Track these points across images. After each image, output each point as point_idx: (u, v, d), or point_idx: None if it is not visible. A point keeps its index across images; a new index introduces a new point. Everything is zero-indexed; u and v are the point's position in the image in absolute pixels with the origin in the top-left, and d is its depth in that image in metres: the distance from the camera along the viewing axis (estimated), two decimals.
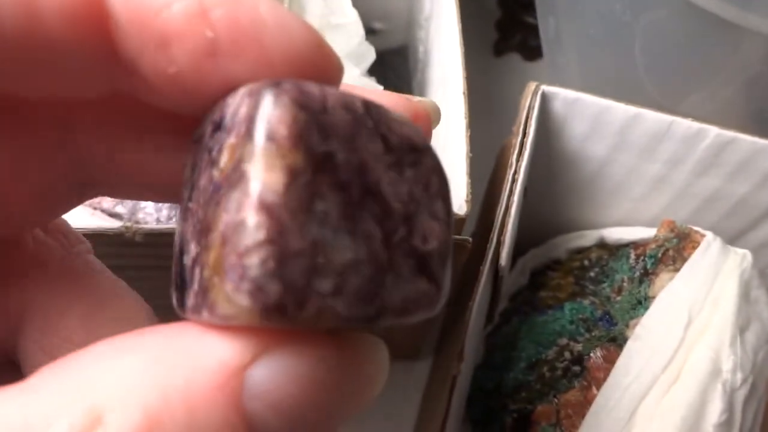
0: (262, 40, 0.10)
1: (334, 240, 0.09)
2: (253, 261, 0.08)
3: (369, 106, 0.10)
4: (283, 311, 0.08)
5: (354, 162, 0.09)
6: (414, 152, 0.10)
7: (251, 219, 0.08)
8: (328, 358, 0.09)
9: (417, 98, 0.13)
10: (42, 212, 0.12)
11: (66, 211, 0.13)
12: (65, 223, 0.14)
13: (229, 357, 0.09)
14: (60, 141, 0.12)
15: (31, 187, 0.12)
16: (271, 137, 0.09)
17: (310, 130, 0.09)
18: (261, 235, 0.08)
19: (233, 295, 0.08)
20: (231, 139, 0.09)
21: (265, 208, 0.08)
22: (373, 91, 0.12)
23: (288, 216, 0.08)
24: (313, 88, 0.09)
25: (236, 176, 0.09)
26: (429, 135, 0.13)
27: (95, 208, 0.26)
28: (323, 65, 0.10)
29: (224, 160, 0.09)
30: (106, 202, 0.26)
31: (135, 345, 0.09)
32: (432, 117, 0.13)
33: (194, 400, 0.08)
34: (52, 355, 0.12)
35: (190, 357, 0.09)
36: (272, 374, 0.09)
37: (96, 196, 0.13)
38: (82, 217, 0.26)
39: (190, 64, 0.10)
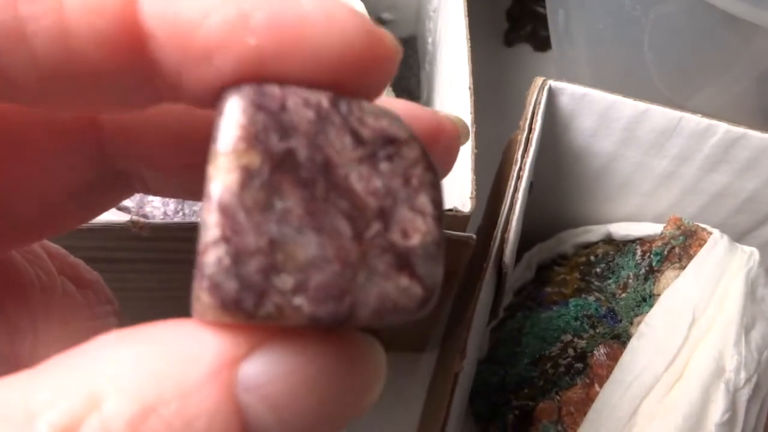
0: (309, 38, 0.09)
1: (296, 237, 0.09)
2: (210, 259, 0.09)
3: (338, 102, 0.10)
4: (242, 308, 0.09)
5: (318, 159, 0.09)
6: (392, 145, 0.10)
7: (210, 218, 0.09)
8: (323, 356, 0.09)
9: (444, 113, 0.13)
10: (76, 210, 0.12)
11: (100, 209, 0.13)
12: (99, 279, 0.14)
13: (223, 350, 0.09)
14: (93, 135, 0.12)
15: (64, 182, 0.12)
16: (227, 140, 0.09)
17: (267, 130, 0.09)
18: (217, 233, 0.09)
19: (198, 292, 0.09)
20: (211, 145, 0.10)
21: (221, 207, 0.09)
22: (398, 102, 0.12)
23: (243, 215, 0.09)
24: (273, 89, 0.09)
25: (207, 179, 0.09)
26: (455, 151, 0.13)
27: None
28: (377, 52, 0.10)
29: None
30: None
31: (134, 337, 0.09)
32: (460, 131, 0.13)
33: (188, 389, 0.08)
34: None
35: (186, 349, 0.09)
36: (266, 368, 0.09)
37: (131, 193, 0.13)
38: None
39: (236, 74, 0.09)
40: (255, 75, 0.09)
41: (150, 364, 0.09)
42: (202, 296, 0.09)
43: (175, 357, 0.09)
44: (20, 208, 0.12)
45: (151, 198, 0.26)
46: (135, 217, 0.22)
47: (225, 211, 0.09)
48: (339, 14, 0.09)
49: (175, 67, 0.09)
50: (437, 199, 0.10)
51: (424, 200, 0.10)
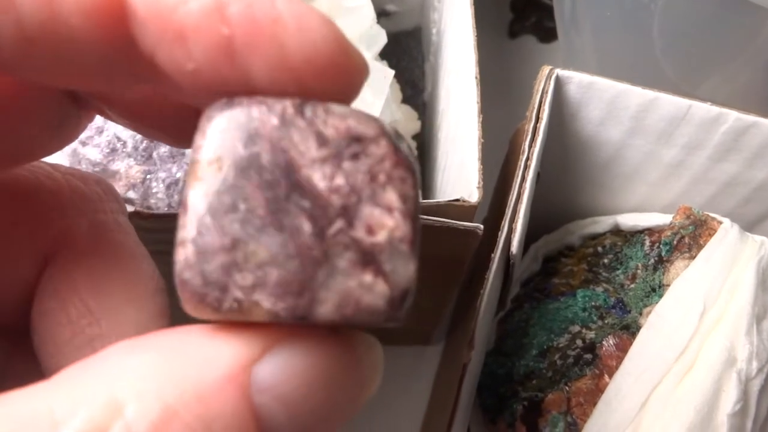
0: (279, 37, 0.10)
1: (257, 236, 0.10)
2: (179, 257, 0.10)
3: (304, 106, 0.10)
4: (207, 302, 0.10)
5: (281, 162, 0.10)
6: (357, 143, 0.10)
7: (180, 220, 0.10)
8: (329, 356, 0.10)
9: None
10: (49, 137, 0.13)
11: (70, 134, 0.13)
12: (105, 180, 0.14)
13: (237, 353, 0.09)
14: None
15: (38, 112, 0.12)
16: (198, 149, 0.10)
17: (234, 139, 0.10)
18: (184, 234, 0.10)
19: (177, 287, 0.10)
20: None
21: (190, 210, 0.10)
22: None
23: (209, 217, 0.10)
24: (241, 100, 0.10)
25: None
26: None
27: None
28: (344, 63, 0.10)
29: None
30: (118, 187, 0.26)
31: (151, 344, 0.10)
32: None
33: (206, 392, 0.09)
34: (59, 294, 0.13)
35: (201, 353, 0.09)
36: (278, 369, 0.09)
37: (92, 118, 0.14)
38: None
39: (207, 60, 0.10)
40: (223, 64, 0.10)
41: (168, 369, 0.09)
42: (178, 291, 0.10)
43: (192, 361, 0.09)
44: None
45: (155, 190, 0.26)
46: (139, 208, 0.22)
47: (193, 213, 0.10)
48: (310, 21, 0.10)
49: (152, 44, 0.10)
50: (407, 194, 0.10)
51: (391, 196, 0.10)
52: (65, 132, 0.13)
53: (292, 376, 0.09)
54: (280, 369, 0.09)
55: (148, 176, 0.26)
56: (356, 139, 0.10)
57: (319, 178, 0.10)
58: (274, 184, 0.10)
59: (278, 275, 0.09)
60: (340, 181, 0.10)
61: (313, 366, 0.10)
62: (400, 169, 0.10)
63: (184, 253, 0.10)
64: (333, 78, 0.10)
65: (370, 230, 0.10)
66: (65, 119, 0.13)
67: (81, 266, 0.13)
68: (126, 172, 0.26)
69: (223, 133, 0.10)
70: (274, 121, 0.10)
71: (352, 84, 0.10)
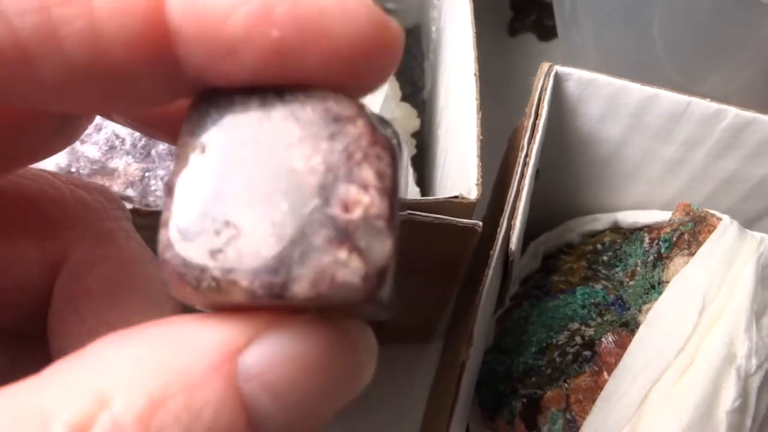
0: (328, 30, 0.09)
1: (236, 217, 0.10)
2: (162, 237, 0.10)
3: (283, 92, 0.10)
4: (186, 281, 0.10)
5: (261, 145, 0.10)
6: (335, 123, 0.10)
7: (165, 202, 0.10)
8: (318, 343, 0.10)
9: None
10: (50, 137, 0.13)
11: (72, 135, 0.13)
12: (108, 188, 0.14)
13: (223, 341, 0.09)
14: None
15: (44, 122, 0.12)
16: (183, 136, 0.10)
17: (216, 125, 0.10)
18: (166, 214, 0.10)
19: (160, 267, 0.10)
20: None
21: (172, 193, 0.10)
22: None
23: (191, 199, 0.10)
24: (221, 90, 0.10)
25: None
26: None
27: None
28: (387, 36, 0.10)
29: None
30: (117, 185, 0.26)
31: (136, 335, 0.10)
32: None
33: (192, 382, 0.09)
34: (73, 301, 0.13)
35: (188, 343, 0.09)
36: (264, 357, 0.09)
37: (92, 119, 0.14)
38: None
39: (260, 66, 0.10)
40: (277, 66, 0.10)
41: (154, 360, 0.09)
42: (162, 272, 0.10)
43: (178, 352, 0.09)
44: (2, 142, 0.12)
45: (154, 187, 0.26)
46: (137, 206, 0.22)
47: (176, 196, 0.10)
48: (352, 5, 0.10)
49: (200, 63, 0.10)
50: (384, 172, 0.10)
51: (367, 173, 0.10)
52: (67, 133, 0.13)
53: (279, 364, 0.09)
54: (267, 356, 0.09)
55: (147, 174, 0.26)
56: (334, 119, 0.10)
57: (297, 158, 0.10)
58: (254, 166, 0.10)
59: (254, 254, 0.10)
60: (317, 160, 0.10)
61: (302, 353, 0.09)
62: (377, 147, 0.10)
63: (165, 234, 0.10)
64: (379, 53, 0.10)
65: (346, 207, 0.10)
66: (67, 121, 0.13)
67: (93, 276, 0.13)
68: (124, 169, 0.26)
69: (207, 119, 0.10)
70: (256, 106, 0.10)
71: (395, 56, 0.10)
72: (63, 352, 0.12)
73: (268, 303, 0.10)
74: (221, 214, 0.10)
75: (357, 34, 0.10)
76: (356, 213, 0.10)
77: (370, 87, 0.11)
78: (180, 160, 0.10)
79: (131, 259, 0.13)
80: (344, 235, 0.10)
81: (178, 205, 0.10)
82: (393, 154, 0.10)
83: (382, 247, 0.10)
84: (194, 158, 0.10)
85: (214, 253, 0.10)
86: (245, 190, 0.10)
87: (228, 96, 0.10)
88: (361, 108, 0.10)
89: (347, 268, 0.09)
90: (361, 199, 0.10)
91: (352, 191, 0.10)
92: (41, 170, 0.14)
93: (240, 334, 0.09)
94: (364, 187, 0.10)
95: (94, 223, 0.13)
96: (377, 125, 0.10)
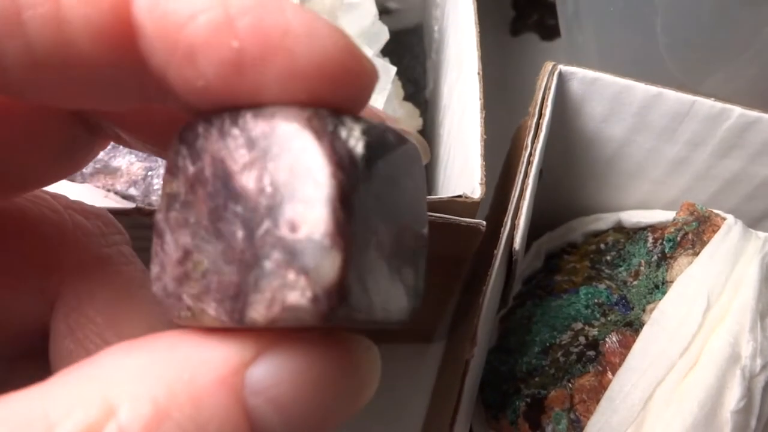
0: (290, 48, 0.09)
1: (202, 246, 0.10)
2: (152, 271, 0.11)
3: (237, 115, 0.10)
4: (170, 311, 0.10)
5: (219, 172, 0.10)
6: (280, 140, 0.10)
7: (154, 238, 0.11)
8: (323, 359, 0.10)
9: (403, 129, 0.13)
10: (60, 163, 0.13)
11: (82, 160, 0.13)
12: (107, 213, 0.14)
13: (231, 355, 0.10)
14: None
15: (46, 137, 0.12)
16: (163, 174, 0.11)
17: (185, 158, 0.10)
18: (153, 249, 0.11)
19: None
20: None
21: (156, 229, 0.11)
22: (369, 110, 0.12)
23: (169, 233, 0.10)
24: (191, 120, 0.11)
25: None
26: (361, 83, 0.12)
27: (108, 190, 0.26)
28: (355, 68, 0.10)
29: None
30: (120, 184, 0.26)
31: (145, 346, 0.10)
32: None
33: (199, 394, 0.09)
34: (75, 332, 0.13)
35: (195, 355, 0.09)
36: (271, 372, 0.09)
37: (106, 144, 0.14)
38: (95, 199, 0.26)
39: (218, 75, 0.10)
40: (233, 78, 0.10)
41: (161, 370, 0.09)
42: None
43: (185, 363, 0.09)
44: (4, 168, 0.12)
45: (157, 186, 0.26)
46: (140, 205, 0.22)
47: (158, 231, 0.11)
48: (320, 29, 0.10)
49: (162, 64, 0.10)
50: (326, 182, 0.09)
51: (310, 188, 0.09)
52: (74, 158, 0.13)
53: (285, 379, 0.09)
54: (273, 372, 0.09)
55: (150, 173, 0.26)
56: (281, 136, 0.10)
57: (249, 181, 0.10)
58: (215, 194, 0.10)
59: (218, 282, 0.10)
60: (266, 181, 0.10)
61: (307, 370, 0.10)
62: (319, 157, 0.10)
63: (153, 268, 0.11)
64: (344, 84, 0.10)
65: (293, 227, 0.09)
66: (74, 145, 0.13)
67: (94, 302, 0.13)
68: (127, 168, 0.26)
69: (177, 153, 0.11)
70: (215, 134, 0.10)
71: (363, 89, 0.10)
72: None
73: (241, 327, 0.10)
74: (191, 244, 0.10)
75: (320, 59, 0.10)
76: (302, 232, 0.09)
77: (343, 110, 0.10)
78: (161, 197, 0.11)
79: (131, 284, 0.13)
80: (291, 257, 0.09)
81: (159, 239, 0.11)
82: (339, 161, 0.10)
83: (331, 265, 0.09)
84: (169, 192, 0.11)
85: (186, 283, 0.10)
86: (208, 219, 0.10)
87: (194, 128, 0.10)
88: (309, 117, 0.10)
89: (295, 290, 0.09)
90: (307, 216, 0.09)
91: (297, 210, 0.09)
92: (42, 191, 0.14)
93: (247, 349, 0.10)
94: (308, 203, 0.09)
95: (92, 250, 0.13)
96: (323, 132, 0.10)
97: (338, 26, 0.10)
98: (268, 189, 0.10)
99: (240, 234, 0.10)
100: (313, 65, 0.10)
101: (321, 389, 0.10)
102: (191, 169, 0.10)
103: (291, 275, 0.09)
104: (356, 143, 0.10)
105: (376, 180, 0.10)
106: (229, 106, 0.10)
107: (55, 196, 0.14)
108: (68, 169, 0.13)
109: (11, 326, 0.13)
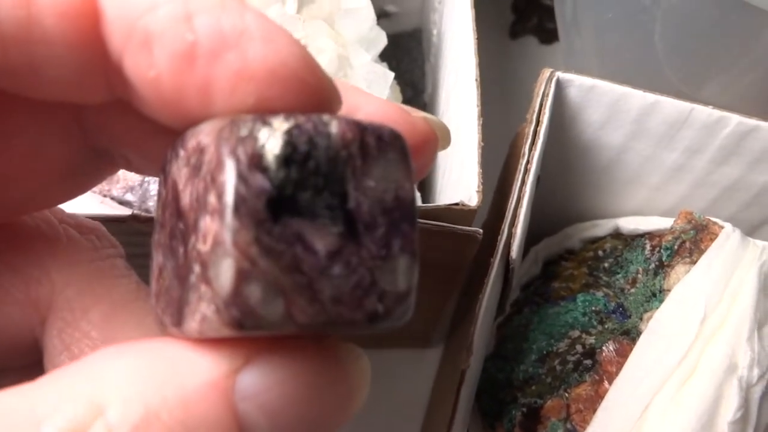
0: (243, 49, 0.10)
1: (165, 264, 0.11)
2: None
3: (183, 136, 0.10)
4: (157, 325, 0.11)
5: (173, 193, 0.10)
6: (201, 153, 0.10)
7: None
8: (313, 366, 0.10)
9: (422, 114, 0.12)
10: (65, 187, 0.13)
11: (88, 185, 0.14)
12: (100, 227, 0.14)
13: (222, 360, 0.10)
14: (74, 117, 0.12)
15: (51, 161, 0.12)
16: None
17: (160, 183, 0.11)
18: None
19: None
20: None
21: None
22: (372, 98, 0.12)
23: (153, 252, 0.11)
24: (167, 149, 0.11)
25: None
26: (431, 155, 0.12)
27: (105, 196, 0.26)
28: (310, 81, 0.10)
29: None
30: (116, 190, 0.26)
31: (135, 348, 0.10)
32: (438, 135, 0.12)
33: (189, 397, 0.09)
34: (70, 347, 0.13)
35: (187, 359, 0.09)
36: (261, 378, 0.09)
37: (115, 170, 0.14)
38: (92, 205, 0.26)
39: (169, 67, 0.10)
40: (184, 72, 0.10)
41: (151, 372, 0.09)
42: None
43: (176, 367, 0.09)
44: (6, 190, 0.12)
45: (153, 192, 0.26)
46: (137, 212, 0.22)
47: (152, 253, 0.11)
48: (278, 37, 0.10)
49: (118, 49, 0.10)
50: (225, 192, 0.09)
51: (212, 199, 0.09)
52: (78, 183, 0.13)
53: (275, 386, 0.09)
54: (263, 378, 0.09)
55: (146, 179, 0.26)
56: (200, 150, 0.10)
57: (185, 198, 0.10)
58: (172, 214, 0.10)
59: (170, 296, 0.10)
60: (194, 196, 0.10)
61: (296, 376, 0.10)
62: (223, 168, 0.09)
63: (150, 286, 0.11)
64: (296, 93, 0.10)
65: (204, 239, 0.09)
66: (79, 170, 0.13)
67: (87, 317, 0.13)
68: (124, 174, 0.26)
69: (158, 180, 0.11)
70: (172, 157, 0.11)
71: (318, 105, 0.10)
72: None
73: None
74: (161, 263, 0.11)
75: (274, 64, 0.10)
76: (208, 244, 0.09)
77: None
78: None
79: (125, 297, 0.13)
80: (204, 269, 0.09)
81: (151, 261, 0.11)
82: (252, 171, 0.09)
83: (225, 276, 0.09)
84: (155, 219, 0.11)
85: (159, 298, 0.11)
86: (168, 238, 0.11)
87: (166, 154, 0.11)
88: (220, 129, 0.10)
89: (204, 302, 0.09)
90: (210, 228, 0.09)
91: (207, 222, 0.09)
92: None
93: (237, 355, 0.10)
94: (212, 213, 0.09)
95: (85, 264, 0.13)
96: (246, 142, 0.09)
97: (300, 43, 0.10)
98: (194, 204, 0.10)
99: (181, 250, 0.10)
100: (265, 69, 0.10)
101: (310, 397, 0.10)
102: (162, 193, 0.11)
103: (203, 287, 0.09)
104: (274, 145, 0.09)
105: (309, 178, 0.10)
106: (177, 105, 0.10)
107: (52, 210, 0.14)
108: (72, 193, 0.13)
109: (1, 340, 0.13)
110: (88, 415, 0.09)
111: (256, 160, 0.09)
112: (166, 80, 0.10)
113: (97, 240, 0.14)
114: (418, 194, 0.30)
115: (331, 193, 0.10)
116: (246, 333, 0.09)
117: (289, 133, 0.09)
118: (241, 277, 0.09)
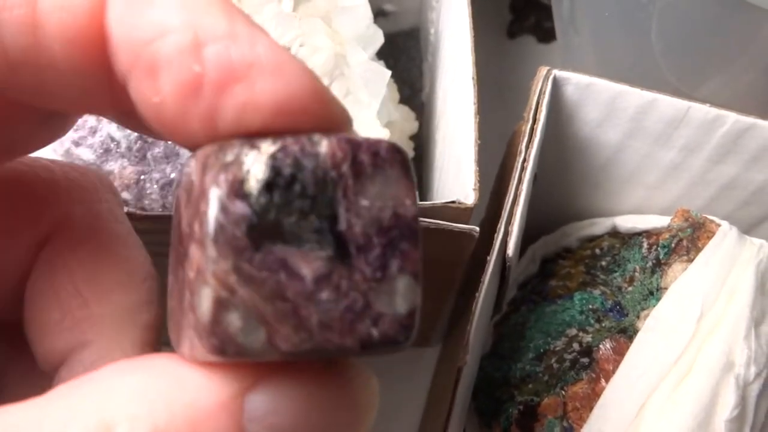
0: (252, 82, 0.09)
1: (172, 285, 0.11)
2: None
3: (187, 159, 0.11)
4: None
5: (176, 214, 0.11)
6: (190, 179, 0.10)
7: None
8: (322, 388, 0.10)
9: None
10: (47, 128, 0.13)
11: (67, 126, 0.13)
12: (105, 175, 0.15)
13: (231, 381, 0.09)
14: None
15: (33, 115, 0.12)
16: None
17: (173, 208, 0.11)
18: None
19: None
20: None
21: None
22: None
23: (169, 273, 0.11)
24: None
25: None
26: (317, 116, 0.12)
27: None
28: (322, 114, 0.10)
29: None
30: None
31: (145, 366, 0.10)
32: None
33: (199, 418, 0.09)
34: (51, 279, 0.13)
35: (196, 379, 0.09)
36: (270, 400, 0.09)
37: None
38: None
39: (174, 95, 0.10)
40: (188, 101, 0.10)
41: (160, 392, 0.09)
42: None
43: (185, 387, 0.09)
44: None
45: (149, 190, 0.26)
46: (132, 210, 0.22)
47: None
48: (288, 68, 0.10)
49: (124, 74, 0.10)
50: (206, 220, 0.09)
51: (197, 227, 0.10)
52: (55, 126, 0.13)
53: (284, 408, 0.09)
54: (272, 400, 0.09)
55: (143, 177, 0.26)
56: (189, 176, 0.10)
57: (183, 223, 0.10)
58: (176, 237, 0.11)
59: (174, 319, 0.11)
60: (186, 221, 0.10)
61: (305, 399, 0.10)
62: (203, 196, 0.09)
63: None
64: (304, 123, 0.10)
65: (191, 266, 0.10)
66: (54, 114, 0.13)
67: (74, 252, 0.13)
68: (120, 172, 0.26)
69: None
70: (178, 178, 0.11)
71: (326, 129, 0.10)
72: (37, 331, 0.13)
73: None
74: (170, 284, 0.11)
75: (281, 97, 0.10)
76: (193, 271, 0.09)
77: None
78: None
79: (115, 240, 0.13)
80: (191, 295, 0.10)
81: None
82: (231, 199, 0.09)
83: (205, 303, 0.09)
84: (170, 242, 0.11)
85: (169, 318, 0.11)
86: (175, 261, 0.11)
87: (176, 178, 0.11)
88: (209, 157, 0.10)
89: (191, 328, 0.10)
90: (194, 256, 0.09)
91: (193, 249, 0.10)
92: (38, 157, 0.14)
93: (247, 375, 0.10)
94: (196, 243, 0.09)
95: (83, 204, 0.14)
96: (229, 169, 0.09)
97: (311, 71, 0.10)
98: (186, 230, 0.10)
99: (181, 274, 0.10)
100: (272, 102, 0.10)
101: (319, 420, 0.10)
102: (174, 216, 0.11)
103: (190, 314, 0.10)
104: (258, 170, 0.09)
105: (294, 201, 0.09)
106: (181, 130, 0.10)
107: (53, 161, 0.14)
108: (46, 138, 0.13)
109: None
110: None
111: (237, 187, 0.09)
112: (170, 107, 0.10)
113: (98, 182, 0.14)
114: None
115: (318, 216, 0.09)
116: (231, 360, 0.09)
117: (273, 156, 0.09)
118: (220, 306, 0.09)
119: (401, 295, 0.10)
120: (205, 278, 0.09)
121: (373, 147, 0.10)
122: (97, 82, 0.10)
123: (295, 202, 0.09)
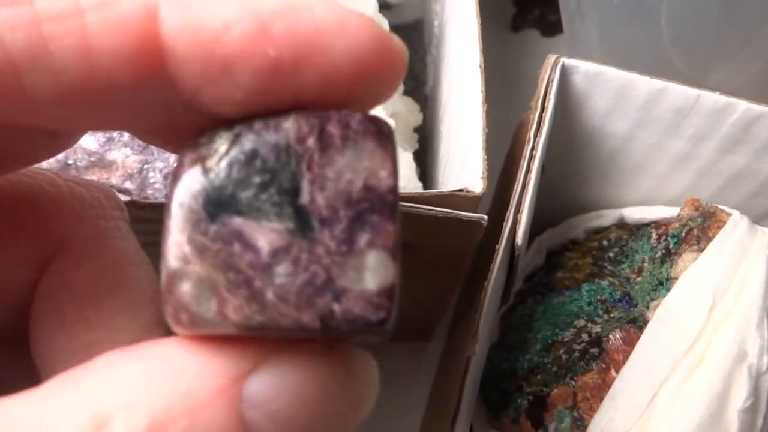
0: (324, 48, 0.09)
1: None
2: None
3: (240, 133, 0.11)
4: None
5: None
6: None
7: None
8: (322, 372, 0.10)
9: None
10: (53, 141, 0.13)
11: (74, 139, 0.13)
12: (109, 189, 0.14)
13: (228, 367, 0.09)
14: None
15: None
16: None
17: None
18: None
19: None
20: None
21: None
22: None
23: None
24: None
25: None
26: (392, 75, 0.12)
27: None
28: (388, 57, 0.10)
29: None
30: (115, 177, 0.25)
31: (141, 355, 0.10)
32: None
33: (196, 406, 0.09)
34: (55, 298, 0.13)
35: (192, 366, 0.09)
36: (268, 385, 0.09)
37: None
38: None
39: (256, 86, 0.09)
40: (273, 87, 0.09)
41: (157, 380, 0.09)
42: None
43: (182, 374, 0.09)
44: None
45: (153, 180, 0.26)
46: (136, 198, 0.22)
47: None
48: (351, 22, 0.09)
49: (195, 82, 0.09)
50: (170, 197, 0.10)
51: (169, 202, 0.10)
52: (62, 139, 0.13)
53: (283, 392, 0.09)
54: (270, 384, 0.09)
55: (146, 166, 0.26)
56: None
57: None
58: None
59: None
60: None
61: (305, 383, 0.09)
62: (174, 173, 0.10)
63: None
64: (380, 74, 0.10)
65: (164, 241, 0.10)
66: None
67: (79, 272, 0.13)
68: (123, 161, 0.25)
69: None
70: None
71: (398, 75, 0.10)
72: (43, 354, 0.12)
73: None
74: None
75: (357, 51, 0.09)
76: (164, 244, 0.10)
77: (373, 103, 0.10)
78: None
79: (120, 259, 0.13)
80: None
81: None
82: (196, 182, 0.10)
83: (163, 273, 0.10)
84: None
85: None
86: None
87: None
88: (186, 146, 0.10)
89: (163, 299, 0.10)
90: (166, 227, 0.10)
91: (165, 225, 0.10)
92: (42, 169, 0.14)
93: (244, 361, 0.09)
94: (167, 216, 0.10)
95: (88, 221, 0.13)
96: (199, 151, 0.10)
97: (366, 16, 0.10)
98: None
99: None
100: (349, 62, 0.09)
101: (319, 403, 0.09)
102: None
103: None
104: (220, 146, 0.10)
105: (253, 176, 0.09)
106: (265, 111, 0.10)
107: (57, 173, 0.14)
108: (53, 150, 0.13)
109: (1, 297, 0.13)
110: (93, 425, 0.08)
111: (201, 164, 0.10)
112: (254, 98, 0.09)
113: (104, 199, 0.14)
114: (420, 184, 0.30)
115: (279, 189, 0.09)
116: (193, 331, 0.09)
117: (237, 133, 0.10)
118: (174, 275, 0.09)
119: (371, 271, 0.09)
120: (165, 250, 0.09)
121: (344, 119, 0.10)
122: (155, 96, 0.10)
123: (254, 176, 0.09)
